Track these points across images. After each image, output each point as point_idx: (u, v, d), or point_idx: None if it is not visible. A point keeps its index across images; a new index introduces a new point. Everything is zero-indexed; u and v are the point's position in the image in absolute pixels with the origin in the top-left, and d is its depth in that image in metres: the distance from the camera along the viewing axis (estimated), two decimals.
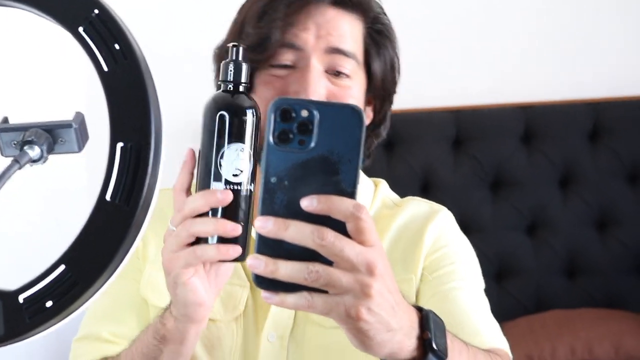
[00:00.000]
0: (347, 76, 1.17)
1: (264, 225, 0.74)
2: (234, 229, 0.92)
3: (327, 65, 1.15)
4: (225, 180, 0.94)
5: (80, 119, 0.66)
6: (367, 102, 1.26)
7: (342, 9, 1.17)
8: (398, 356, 0.84)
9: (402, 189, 2.95)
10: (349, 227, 0.75)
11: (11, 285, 0.62)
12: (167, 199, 1.00)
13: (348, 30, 1.17)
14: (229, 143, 0.94)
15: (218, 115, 0.95)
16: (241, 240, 0.94)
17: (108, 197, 0.58)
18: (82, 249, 0.58)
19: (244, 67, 0.98)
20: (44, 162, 0.65)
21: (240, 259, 0.94)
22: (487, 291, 2.85)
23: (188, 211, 0.94)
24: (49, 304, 0.58)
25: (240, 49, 0.98)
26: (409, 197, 1.35)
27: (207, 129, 0.96)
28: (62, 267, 0.58)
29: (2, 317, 0.59)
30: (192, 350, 1.07)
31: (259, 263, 0.75)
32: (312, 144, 0.75)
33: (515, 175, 2.89)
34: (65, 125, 0.65)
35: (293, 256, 0.75)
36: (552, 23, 3.01)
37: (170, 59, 2.91)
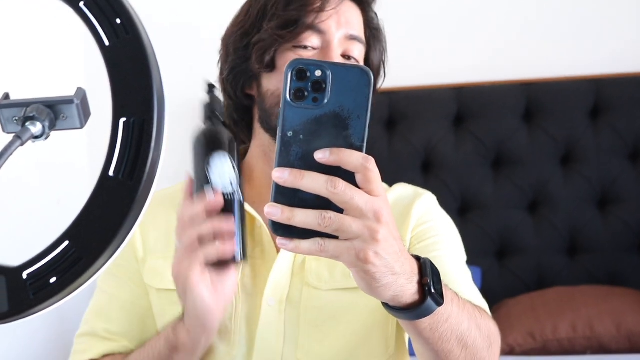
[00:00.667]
0: (357, 60, 1.28)
1: (281, 175, 0.80)
2: (229, 226, 1.06)
3: (343, 50, 1.27)
4: (214, 186, 1.10)
5: (82, 94, 0.65)
6: None
7: (355, 1, 1.30)
8: (400, 299, 0.91)
9: (403, 167, 2.96)
10: (358, 177, 0.81)
11: (12, 261, 0.62)
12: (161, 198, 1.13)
13: (357, 19, 1.29)
14: (214, 161, 1.12)
15: (199, 139, 1.15)
16: (236, 241, 1.08)
17: (111, 172, 0.58)
18: (86, 224, 0.58)
19: (221, 103, 1.21)
20: (46, 138, 0.65)
21: (237, 259, 1.08)
22: (489, 269, 2.86)
23: (187, 218, 1.07)
24: (53, 279, 0.58)
25: (215, 88, 1.21)
26: (396, 184, 1.41)
27: (197, 154, 1.14)
28: (66, 243, 0.58)
29: (5, 293, 0.58)
30: (201, 355, 1.16)
31: (276, 211, 0.80)
32: (325, 101, 0.81)
33: (517, 152, 2.89)
34: (67, 101, 0.64)
35: (306, 205, 0.81)
36: (553, 0, 2.99)
37: (172, 33, 2.90)
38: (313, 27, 1.25)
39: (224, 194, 1.09)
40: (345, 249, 0.82)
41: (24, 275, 0.58)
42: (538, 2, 3.01)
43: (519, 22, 3.01)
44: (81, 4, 0.60)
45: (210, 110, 1.20)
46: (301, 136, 0.81)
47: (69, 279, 0.57)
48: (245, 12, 1.32)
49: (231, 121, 1.38)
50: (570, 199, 2.86)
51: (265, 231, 1.29)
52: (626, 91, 2.88)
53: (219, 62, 1.34)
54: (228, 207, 1.09)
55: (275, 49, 1.27)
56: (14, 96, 0.67)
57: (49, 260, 0.58)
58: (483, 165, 2.90)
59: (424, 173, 2.92)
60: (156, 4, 2.94)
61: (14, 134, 0.62)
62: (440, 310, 0.96)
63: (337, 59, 1.24)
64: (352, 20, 1.28)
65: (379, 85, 1.41)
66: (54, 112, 0.65)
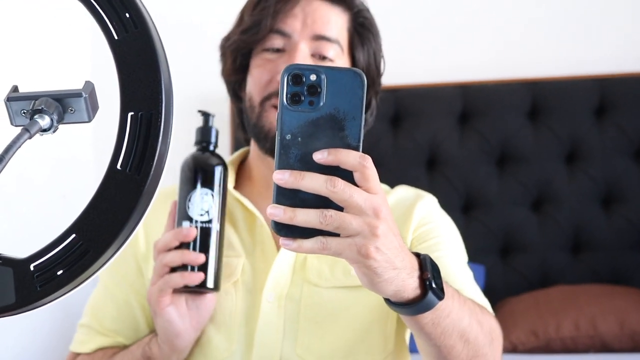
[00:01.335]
0: (331, 60, 1.30)
1: (281, 177, 0.83)
2: (197, 257, 1.16)
3: (313, 50, 1.29)
4: (191, 218, 1.18)
5: (90, 88, 0.66)
6: None
7: (328, 1, 1.30)
8: (402, 294, 0.93)
9: (408, 164, 2.97)
10: (356, 176, 0.84)
11: (19, 254, 0.62)
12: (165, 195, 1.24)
13: (332, 20, 1.29)
14: (194, 188, 1.19)
15: (187, 167, 1.21)
16: (209, 270, 1.18)
17: (119, 166, 0.58)
18: (93, 217, 0.58)
19: (213, 131, 1.25)
20: (54, 131, 0.65)
21: (208, 286, 1.18)
22: (492, 266, 2.86)
23: (161, 245, 1.17)
24: (59, 272, 0.58)
25: (210, 116, 1.25)
26: (397, 186, 1.43)
27: (181, 180, 1.21)
28: (73, 236, 0.58)
29: (13, 285, 0.59)
30: None
31: (278, 211, 0.83)
32: (321, 104, 0.84)
33: (522, 150, 2.88)
34: (75, 94, 0.65)
35: (307, 205, 0.84)
36: None
37: (180, 30, 2.91)
38: (275, 30, 1.28)
39: (201, 225, 1.18)
40: (347, 245, 0.84)
41: (31, 267, 0.59)
42: (544, 1, 3.00)
43: (524, 21, 3.01)
44: None
45: (202, 136, 1.24)
46: (299, 138, 0.84)
47: (75, 271, 0.58)
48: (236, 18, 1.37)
49: (238, 123, 1.42)
50: (574, 197, 2.86)
51: (266, 229, 1.30)
52: (631, 90, 2.88)
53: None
54: (203, 237, 1.18)
55: (243, 53, 1.32)
56: (22, 89, 0.67)
57: (56, 253, 0.58)
58: (488, 162, 2.90)
59: (428, 170, 2.92)
60: (163, 0, 2.94)
61: (22, 127, 0.62)
62: (441, 305, 0.98)
63: (304, 60, 1.26)
64: (321, 20, 1.29)
65: (381, 84, 1.41)
66: (62, 106, 0.65)
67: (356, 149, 0.84)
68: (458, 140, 2.92)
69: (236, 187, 1.38)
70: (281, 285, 1.27)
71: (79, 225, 0.58)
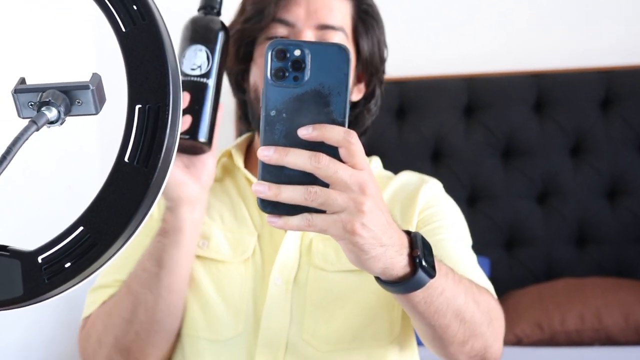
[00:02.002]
0: None
1: (266, 153, 0.83)
2: (183, 99, 1.11)
3: (317, 39, 1.27)
4: (184, 72, 1.17)
5: (97, 80, 0.65)
6: (358, 78, 1.37)
7: None
8: (391, 271, 0.92)
9: (413, 156, 2.96)
10: (342, 151, 0.83)
11: (25, 245, 0.62)
12: None
13: (336, 7, 1.28)
14: (189, 45, 1.18)
15: (185, 27, 1.20)
16: (201, 123, 1.16)
17: (126, 158, 0.58)
18: (101, 210, 0.58)
19: None
20: (62, 123, 0.65)
21: (199, 138, 1.16)
22: (498, 259, 2.86)
23: None
24: (67, 264, 0.58)
25: None
26: (402, 172, 1.43)
27: (180, 41, 1.19)
28: (80, 228, 0.58)
29: (20, 277, 0.59)
30: (193, 242, 1.22)
31: (263, 188, 0.83)
32: (305, 80, 0.84)
33: (527, 143, 2.88)
34: (83, 86, 0.64)
35: (293, 182, 0.84)
36: None
37: (186, 18, 2.90)
38: (278, 19, 1.26)
39: (191, 79, 1.17)
40: (332, 222, 0.84)
41: (39, 259, 0.59)
42: None
43: (529, 12, 3.01)
44: None
45: (205, 1, 1.23)
46: (284, 114, 0.84)
47: (83, 264, 0.58)
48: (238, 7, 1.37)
49: (240, 115, 1.42)
50: (579, 190, 2.86)
51: None
52: (637, 82, 2.87)
53: None
54: (194, 91, 1.17)
55: (246, 42, 1.31)
56: (30, 81, 0.68)
57: (64, 245, 0.58)
58: (493, 155, 2.90)
59: (433, 163, 2.92)
60: None
61: (29, 119, 0.63)
62: (433, 283, 0.97)
63: None
64: (325, 8, 1.27)
65: (384, 72, 1.41)
66: (69, 98, 0.65)
67: (341, 124, 0.84)
68: (463, 133, 2.91)
69: (246, 167, 1.38)
70: (288, 268, 1.28)
71: (87, 218, 0.58)
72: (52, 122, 0.64)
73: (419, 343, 1.32)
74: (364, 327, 1.27)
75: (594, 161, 2.85)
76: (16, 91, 0.66)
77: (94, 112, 0.66)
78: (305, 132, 0.83)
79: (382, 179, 1.41)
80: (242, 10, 1.35)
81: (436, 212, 1.33)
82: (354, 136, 0.83)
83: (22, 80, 0.67)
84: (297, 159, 0.82)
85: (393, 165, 1.50)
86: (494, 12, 3.01)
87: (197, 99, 1.16)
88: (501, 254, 2.86)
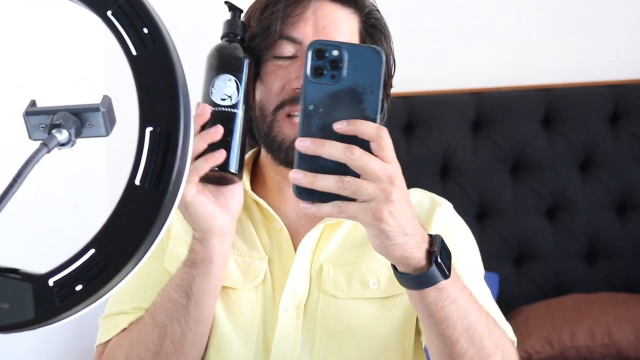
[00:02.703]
0: None
1: (303, 144, 0.91)
2: (216, 131, 1.11)
3: None
4: (214, 103, 1.14)
5: (107, 102, 0.66)
6: None
7: (339, 3, 1.25)
8: (409, 261, 0.98)
9: (421, 172, 2.96)
10: (373, 145, 0.91)
11: (33, 265, 0.62)
12: None
13: (344, 23, 1.25)
14: (217, 74, 1.15)
15: (211, 56, 1.18)
16: (231, 154, 1.13)
17: (137, 181, 0.58)
18: (112, 233, 0.58)
19: (239, 23, 1.21)
20: (72, 145, 0.65)
21: (230, 169, 1.13)
22: (507, 275, 2.85)
23: None
24: (78, 287, 0.58)
25: (238, 10, 1.21)
26: (411, 189, 1.38)
27: (205, 70, 1.17)
28: (92, 251, 0.58)
29: (32, 300, 0.59)
30: (222, 273, 1.20)
31: (299, 176, 0.91)
32: (342, 78, 0.92)
33: (535, 158, 2.88)
34: (93, 108, 0.65)
35: (326, 171, 0.91)
36: (572, 4, 2.99)
37: (195, 37, 2.91)
38: (285, 37, 1.22)
39: (222, 109, 1.14)
40: (362, 209, 0.91)
41: (50, 282, 0.58)
42: (558, 7, 3.00)
43: (538, 27, 3.01)
44: (109, 13, 0.60)
45: (229, 29, 1.21)
46: (321, 109, 0.92)
47: (94, 287, 0.58)
48: None
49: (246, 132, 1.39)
50: (589, 205, 2.85)
51: (285, 233, 1.28)
52: None
53: None
54: (225, 121, 1.14)
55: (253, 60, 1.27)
56: (41, 103, 0.68)
57: (75, 268, 0.58)
58: (501, 170, 2.90)
59: (442, 178, 2.91)
60: (180, 9, 2.95)
61: (40, 141, 0.63)
62: (446, 286, 1.02)
63: None
64: (334, 23, 1.23)
65: (392, 85, 1.37)
66: (80, 120, 0.65)
67: (374, 120, 0.91)
68: (471, 148, 2.91)
69: (252, 189, 1.34)
70: (299, 294, 1.26)
71: (98, 241, 0.58)
72: (62, 145, 0.64)
73: None
74: (375, 358, 1.25)
75: (603, 176, 2.85)
76: (27, 113, 0.66)
77: (105, 134, 0.67)
78: (340, 126, 0.91)
79: None
80: (248, 27, 1.30)
81: (451, 240, 1.30)
82: (385, 132, 0.91)
83: (33, 103, 0.67)
84: (332, 150, 0.90)
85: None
86: (502, 27, 3.02)
87: (228, 130, 1.14)
88: (510, 270, 2.85)
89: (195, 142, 1.10)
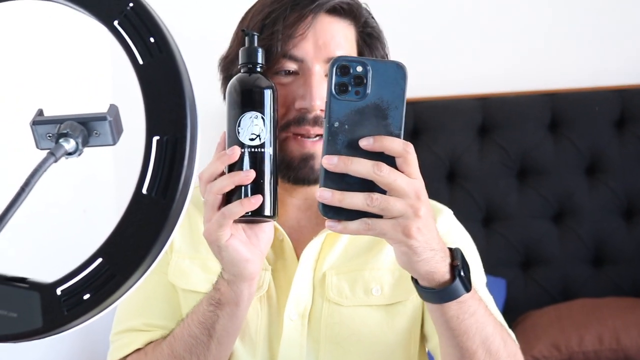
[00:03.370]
0: None
1: (331, 162, 0.91)
2: (247, 174, 1.06)
3: (327, 71, 1.21)
4: (242, 143, 1.08)
5: (114, 111, 0.66)
6: None
7: (337, 16, 1.24)
8: (434, 275, 0.98)
9: (428, 177, 2.93)
10: (399, 161, 0.92)
11: (40, 273, 0.62)
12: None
13: (343, 36, 1.25)
14: (242, 112, 1.09)
15: (234, 90, 1.11)
16: (265, 196, 1.08)
17: (144, 190, 0.58)
18: (119, 242, 0.58)
19: (259, 51, 1.14)
20: (79, 154, 0.65)
21: (266, 213, 1.08)
22: (513, 280, 2.84)
23: (207, 175, 1.08)
24: (86, 296, 0.58)
25: (255, 36, 1.14)
26: None
27: (228, 104, 1.12)
28: (99, 260, 0.58)
29: (40, 309, 0.59)
30: (246, 313, 1.17)
31: (327, 194, 0.91)
32: (366, 94, 0.91)
33: (542, 163, 2.87)
34: (100, 117, 0.65)
35: (352, 188, 0.91)
36: (578, 9, 2.98)
37: (202, 47, 2.92)
38: (287, 55, 1.21)
39: (251, 150, 1.08)
40: (391, 226, 0.91)
41: (58, 291, 0.59)
42: (563, 12, 3.00)
43: (543, 32, 3.01)
44: (115, 23, 0.60)
45: (247, 57, 1.14)
46: (346, 126, 0.91)
47: (102, 295, 0.58)
48: (233, 39, 1.29)
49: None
50: (595, 209, 2.84)
51: (288, 243, 1.28)
52: None
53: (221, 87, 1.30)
54: (256, 163, 1.08)
55: None
56: (48, 112, 0.68)
57: (83, 277, 0.58)
58: (508, 175, 2.89)
59: (448, 183, 2.91)
60: (186, 18, 2.95)
61: (47, 151, 0.63)
62: (467, 299, 1.02)
63: (320, 81, 1.19)
64: (334, 38, 1.22)
65: None
66: (87, 129, 0.65)
67: (398, 136, 0.92)
68: (478, 153, 2.91)
69: None
70: (303, 303, 1.26)
71: (106, 250, 0.58)
72: (70, 154, 0.64)
73: None
74: None
75: (609, 180, 2.84)
76: (34, 123, 0.66)
77: (112, 143, 0.67)
78: (367, 143, 0.91)
79: None
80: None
81: None
82: (411, 147, 0.92)
83: (40, 112, 0.67)
84: (360, 167, 0.90)
85: None
86: (508, 32, 3.01)
87: (260, 172, 1.08)
88: (517, 274, 2.85)
89: (222, 182, 1.06)
